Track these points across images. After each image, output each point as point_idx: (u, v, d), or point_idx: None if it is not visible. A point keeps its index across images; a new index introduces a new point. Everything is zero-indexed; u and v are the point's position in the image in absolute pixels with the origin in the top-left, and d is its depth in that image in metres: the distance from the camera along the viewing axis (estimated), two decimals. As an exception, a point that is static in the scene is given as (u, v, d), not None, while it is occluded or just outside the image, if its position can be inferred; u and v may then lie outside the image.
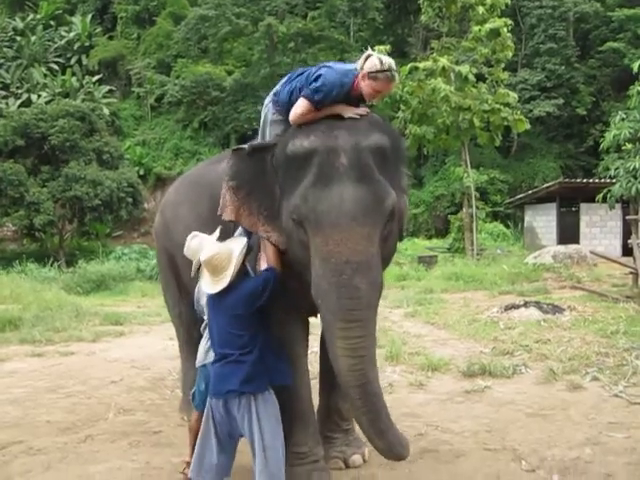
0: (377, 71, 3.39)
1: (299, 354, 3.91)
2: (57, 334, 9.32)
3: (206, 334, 3.80)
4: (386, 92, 3.57)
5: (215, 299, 3.53)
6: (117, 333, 9.76)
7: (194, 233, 3.72)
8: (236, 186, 3.58)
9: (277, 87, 3.76)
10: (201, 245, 3.62)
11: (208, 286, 3.53)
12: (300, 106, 3.45)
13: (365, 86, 3.43)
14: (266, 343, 3.53)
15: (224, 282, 3.45)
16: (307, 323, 4.07)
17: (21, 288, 13.50)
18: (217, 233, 3.67)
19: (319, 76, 3.44)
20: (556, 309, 9.63)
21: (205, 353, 3.83)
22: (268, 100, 3.78)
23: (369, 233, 3.20)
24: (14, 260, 20.34)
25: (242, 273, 3.54)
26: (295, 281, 3.55)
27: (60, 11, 41.43)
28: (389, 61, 3.43)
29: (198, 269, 3.66)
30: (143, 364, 7.49)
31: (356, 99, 3.54)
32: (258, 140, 3.87)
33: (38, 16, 40.60)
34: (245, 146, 3.64)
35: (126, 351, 8.32)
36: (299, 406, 3.87)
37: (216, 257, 3.46)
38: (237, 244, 3.55)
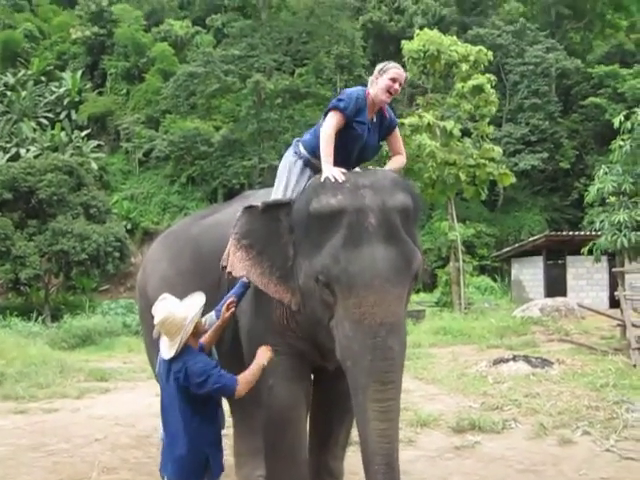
0: (383, 65, 3.64)
1: (299, 416, 3.81)
2: (41, 390, 9.14)
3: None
4: (400, 80, 3.61)
5: (169, 365, 3.28)
6: (102, 389, 9.59)
7: (164, 295, 3.40)
8: (248, 245, 3.51)
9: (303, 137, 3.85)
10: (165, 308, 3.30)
11: (165, 350, 3.28)
12: (329, 118, 3.54)
13: (380, 83, 3.59)
14: (203, 429, 3.29)
15: (174, 349, 3.22)
16: (311, 382, 3.97)
17: (5, 343, 13.25)
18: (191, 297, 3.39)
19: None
20: (545, 363, 9.59)
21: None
22: (290, 150, 3.81)
23: (400, 294, 3.19)
24: (-2, 314, 20.11)
25: (196, 337, 3.33)
26: (305, 342, 3.53)
27: (51, 67, 41.95)
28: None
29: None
30: (128, 421, 7.35)
31: (375, 114, 3.69)
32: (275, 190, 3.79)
33: (29, 72, 41.04)
34: (258, 204, 3.58)
35: (111, 408, 8.16)
36: (293, 471, 3.76)
37: (169, 321, 3.22)
38: (192, 308, 3.28)
